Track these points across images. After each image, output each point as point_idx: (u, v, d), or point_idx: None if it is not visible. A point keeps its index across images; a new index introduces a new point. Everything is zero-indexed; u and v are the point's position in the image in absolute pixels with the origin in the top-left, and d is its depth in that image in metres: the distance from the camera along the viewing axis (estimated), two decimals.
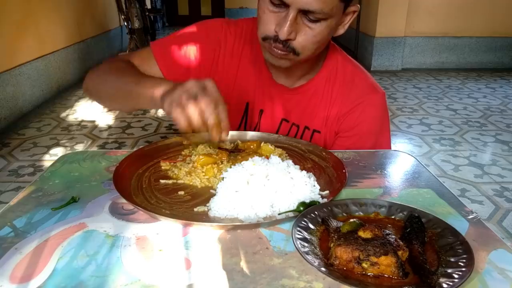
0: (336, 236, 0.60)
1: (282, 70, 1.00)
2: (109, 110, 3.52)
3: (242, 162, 0.78)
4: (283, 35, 0.84)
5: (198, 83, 0.74)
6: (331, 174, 0.84)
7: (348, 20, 0.93)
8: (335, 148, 1.03)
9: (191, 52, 1.04)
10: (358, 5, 0.92)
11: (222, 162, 0.85)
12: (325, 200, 0.73)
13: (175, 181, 0.82)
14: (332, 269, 0.55)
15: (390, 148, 1.06)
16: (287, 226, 0.67)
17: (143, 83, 0.87)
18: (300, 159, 0.91)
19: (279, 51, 0.88)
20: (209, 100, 0.72)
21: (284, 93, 1.05)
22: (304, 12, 0.83)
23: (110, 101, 1.05)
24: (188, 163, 0.86)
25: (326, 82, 1.03)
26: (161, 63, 1.02)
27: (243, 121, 1.10)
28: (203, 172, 0.83)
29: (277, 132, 1.06)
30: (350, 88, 1.03)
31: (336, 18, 0.88)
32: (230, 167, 0.79)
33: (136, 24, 4.47)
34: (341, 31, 0.94)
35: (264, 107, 1.07)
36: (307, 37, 0.86)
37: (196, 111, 0.71)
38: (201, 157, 0.85)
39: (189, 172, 0.83)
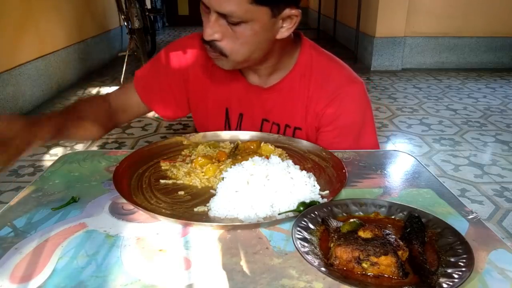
0: (336, 236, 0.60)
1: (250, 69, 1.02)
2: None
3: (242, 162, 0.78)
4: (204, 36, 0.88)
5: None
6: (331, 174, 0.84)
7: (293, 25, 0.91)
8: (318, 143, 1.02)
9: (164, 75, 1.10)
10: (299, 10, 0.90)
11: (219, 161, 0.85)
12: (325, 200, 0.73)
13: (175, 181, 0.82)
14: (332, 269, 0.55)
15: (375, 139, 1.06)
16: (287, 226, 0.67)
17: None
18: (300, 159, 0.91)
19: (211, 53, 0.91)
20: None
21: (260, 93, 1.05)
22: (222, 15, 0.85)
23: None
24: (188, 163, 0.86)
25: (301, 78, 1.03)
26: (139, 90, 1.11)
27: (226, 126, 1.11)
28: (202, 172, 0.83)
29: None
30: (326, 82, 1.02)
31: (260, 23, 0.86)
32: (230, 167, 0.79)
33: (136, 24, 4.46)
34: (284, 34, 0.92)
35: (243, 110, 1.08)
36: (230, 39, 0.88)
37: None
38: (199, 158, 0.85)
39: (188, 172, 0.83)
